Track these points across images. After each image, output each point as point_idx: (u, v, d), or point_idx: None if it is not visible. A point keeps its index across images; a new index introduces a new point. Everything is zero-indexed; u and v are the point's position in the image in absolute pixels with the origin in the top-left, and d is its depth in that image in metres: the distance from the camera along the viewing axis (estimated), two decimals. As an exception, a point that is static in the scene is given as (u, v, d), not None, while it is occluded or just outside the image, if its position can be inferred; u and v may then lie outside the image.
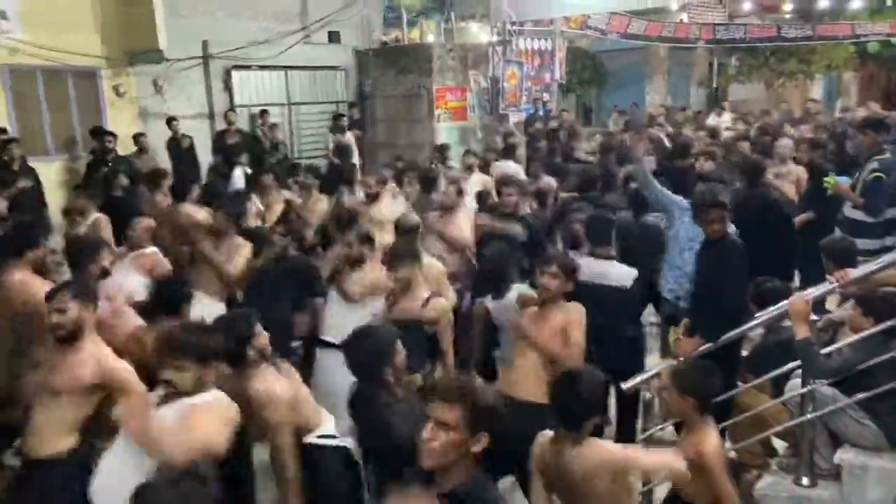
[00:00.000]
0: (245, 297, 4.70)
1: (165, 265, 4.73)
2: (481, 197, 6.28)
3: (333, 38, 12.08)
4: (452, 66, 12.33)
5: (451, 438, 1.96)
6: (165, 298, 3.63)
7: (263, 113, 10.31)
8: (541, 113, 13.21)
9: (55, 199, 8.16)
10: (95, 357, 2.97)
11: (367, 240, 4.38)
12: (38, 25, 8.48)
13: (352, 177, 6.88)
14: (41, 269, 4.03)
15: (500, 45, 12.95)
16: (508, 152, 8.78)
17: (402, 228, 4.93)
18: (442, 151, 8.92)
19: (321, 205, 6.50)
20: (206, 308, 4.07)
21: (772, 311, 3.86)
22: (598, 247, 4.40)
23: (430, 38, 13.85)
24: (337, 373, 3.62)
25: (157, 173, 6.88)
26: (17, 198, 6.44)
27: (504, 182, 5.67)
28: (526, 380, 3.59)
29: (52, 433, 2.95)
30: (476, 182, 7.31)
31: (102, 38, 9.23)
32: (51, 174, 8.70)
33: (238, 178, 9.02)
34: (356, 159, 9.95)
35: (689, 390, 2.93)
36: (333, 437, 3.20)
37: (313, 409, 3.26)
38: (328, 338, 4.18)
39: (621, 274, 4.24)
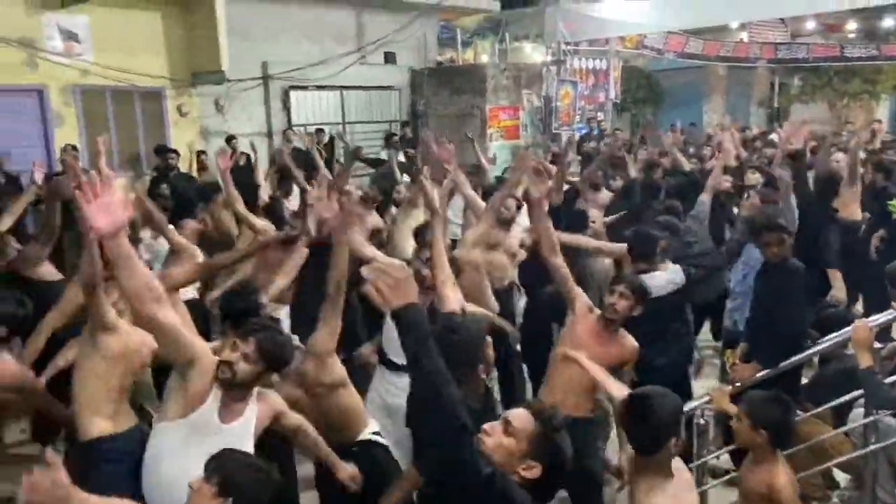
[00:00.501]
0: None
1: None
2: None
3: (389, 58, 12.29)
4: (506, 85, 12.39)
5: (507, 444, 1.90)
6: (234, 309, 3.61)
7: (319, 132, 10.54)
8: (595, 132, 13.12)
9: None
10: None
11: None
12: (107, 48, 8.88)
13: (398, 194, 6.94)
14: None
15: (553, 65, 12.96)
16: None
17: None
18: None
19: (373, 219, 6.57)
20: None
21: (834, 337, 3.72)
22: (642, 262, 4.28)
23: (484, 59, 13.97)
24: (399, 395, 3.58)
25: (212, 187, 7.09)
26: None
27: None
28: (568, 391, 3.47)
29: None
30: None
31: (168, 60, 9.61)
32: (118, 190, 9.03)
33: (295, 194, 9.25)
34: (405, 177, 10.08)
35: (763, 423, 2.78)
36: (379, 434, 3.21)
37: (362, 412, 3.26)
38: (393, 357, 3.95)
39: (660, 284, 4.11)
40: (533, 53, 13.84)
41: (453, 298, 3.36)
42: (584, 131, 13.17)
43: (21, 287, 3.78)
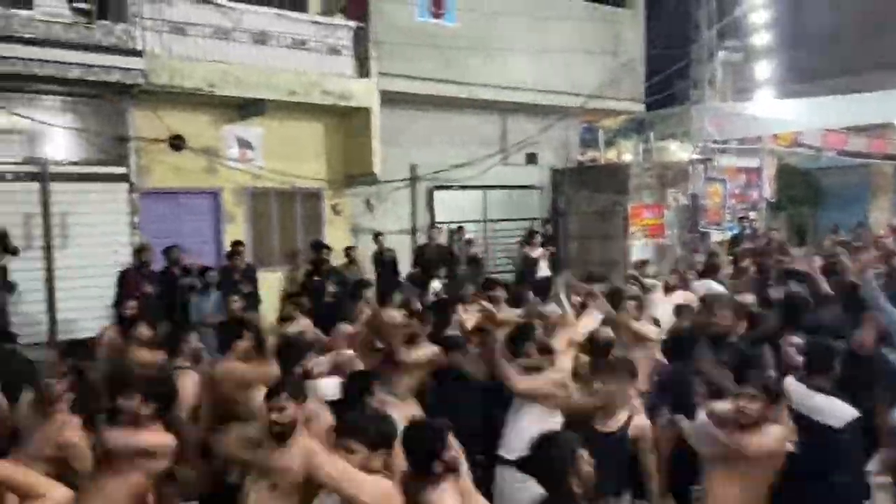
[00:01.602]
0: (434, 401, 4.81)
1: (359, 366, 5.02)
2: (681, 311, 6.06)
3: (531, 159, 12.61)
4: (650, 183, 12.24)
5: None
6: (349, 390, 3.80)
7: (460, 229, 10.90)
8: (748, 232, 12.52)
9: (274, 304, 9.10)
10: (305, 451, 3.13)
11: (547, 350, 4.35)
12: (275, 154, 9.87)
13: (544, 286, 6.94)
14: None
15: (700, 163, 12.68)
16: (710, 271, 8.37)
17: (597, 342, 4.83)
18: (639, 267, 8.72)
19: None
20: (396, 410, 4.25)
21: None
22: (817, 376, 3.95)
23: (627, 157, 13.95)
24: (516, 495, 3.57)
25: (361, 283, 7.48)
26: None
27: (715, 301, 5.42)
28: None
29: None
30: (678, 299, 7.03)
31: (327, 164, 10.48)
32: (275, 282, 9.77)
33: (434, 288, 9.53)
34: (545, 273, 10.09)
35: None
36: None
37: None
38: (507, 454, 4.07)
39: (837, 411, 3.76)
40: (678, 151, 13.64)
41: None
42: (734, 231, 12.61)
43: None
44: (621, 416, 3.84)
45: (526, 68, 11.59)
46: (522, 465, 2.89)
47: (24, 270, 7.57)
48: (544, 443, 2.83)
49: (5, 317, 7.16)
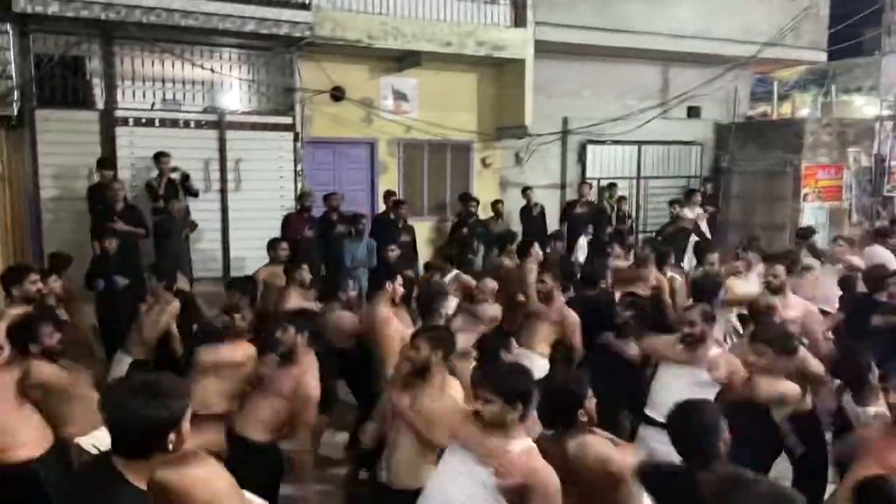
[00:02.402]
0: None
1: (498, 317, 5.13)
2: (845, 283, 5.58)
3: (693, 112, 11.91)
4: (827, 142, 11.18)
5: None
6: (487, 344, 3.90)
7: (612, 186, 10.57)
8: (940, 197, 11.16)
9: (425, 254, 9.40)
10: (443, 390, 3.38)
11: (711, 318, 4.17)
12: (429, 106, 10.03)
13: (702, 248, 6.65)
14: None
15: (889, 120, 11.37)
16: (881, 235, 7.57)
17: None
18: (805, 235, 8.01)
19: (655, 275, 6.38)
20: (535, 362, 4.32)
21: None
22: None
23: (804, 112, 12.79)
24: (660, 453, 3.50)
25: (505, 236, 7.53)
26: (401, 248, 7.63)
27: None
28: None
29: (415, 463, 3.32)
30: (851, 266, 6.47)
31: (478, 116, 10.51)
32: (424, 232, 10.06)
33: (581, 246, 9.39)
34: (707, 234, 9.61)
35: None
36: None
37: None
38: (654, 414, 3.97)
39: None
40: (864, 107, 12.30)
41: None
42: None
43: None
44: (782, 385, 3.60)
45: (691, 14, 10.86)
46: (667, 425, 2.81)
47: (204, 211, 8.33)
48: (690, 410, 2.74)
49: (188, 254, 7.96)
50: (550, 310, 5.08)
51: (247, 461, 3.49)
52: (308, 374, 3.78)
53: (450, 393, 3.39)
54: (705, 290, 5.07)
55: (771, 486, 2.22)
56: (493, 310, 5.23)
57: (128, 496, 1.97)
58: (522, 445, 2.65)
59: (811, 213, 10.89)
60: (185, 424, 2.04)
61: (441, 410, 3.25)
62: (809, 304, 5.25)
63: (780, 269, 5.16)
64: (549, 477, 2.58)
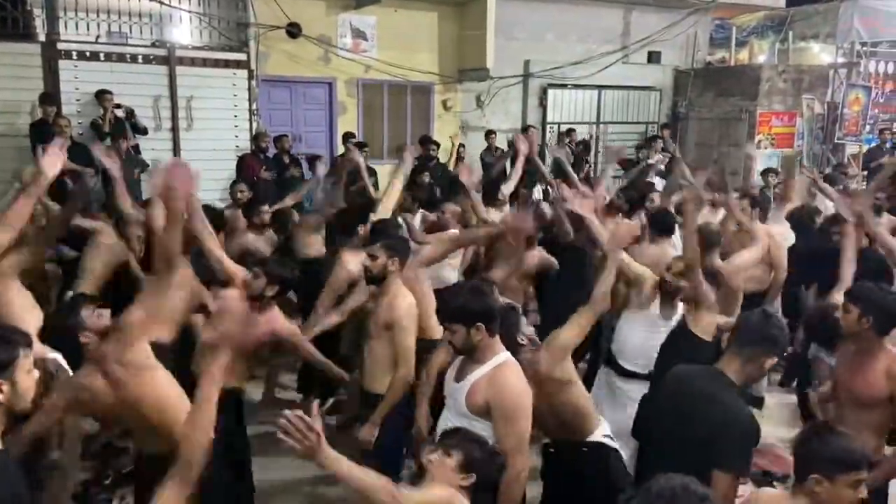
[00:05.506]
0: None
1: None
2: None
3: (653, 58, 11.87)
4: (783, 89, 11.31)
5: None
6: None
7: (570, 131, 10.55)
8: (888, 146, 11.44)
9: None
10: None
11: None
12: (388, 46, 9.78)
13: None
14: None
15: (844, 68, 11.54)
16: (830, 181, 7.75)
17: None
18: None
19: (627, 227, 6.43)
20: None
21: None
22: None
23: (761, 59, 12.87)
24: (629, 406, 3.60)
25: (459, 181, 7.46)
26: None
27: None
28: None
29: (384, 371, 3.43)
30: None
31: (439, 57, 10.30)
32: (383, 175, 9.92)
33: (536, 191, 9.39)
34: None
35: None
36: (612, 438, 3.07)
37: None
38: (627, 364, 3.90)
39: None
40: (820, 54, 12.42)
41: None
42: (873, 143, 11.54)
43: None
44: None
45: (654, -44, 10.74)
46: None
47: (155, 150, 8.05)
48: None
49: (139, 194, 7.70)
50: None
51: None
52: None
53: (402, 302, 3.40)
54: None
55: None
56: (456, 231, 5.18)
57: None
58: (495, 363, 2.63)
59: (764, 159, 11.07)
60: (19, 374, 1.93)
61: (396, 318, 3.34)
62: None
63: (746, 202, 5.37)
64: (511, 396, 2.55)
